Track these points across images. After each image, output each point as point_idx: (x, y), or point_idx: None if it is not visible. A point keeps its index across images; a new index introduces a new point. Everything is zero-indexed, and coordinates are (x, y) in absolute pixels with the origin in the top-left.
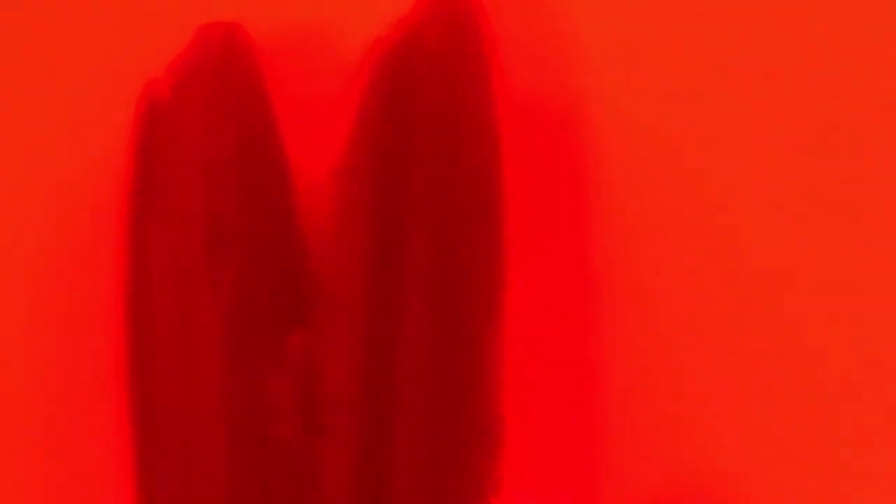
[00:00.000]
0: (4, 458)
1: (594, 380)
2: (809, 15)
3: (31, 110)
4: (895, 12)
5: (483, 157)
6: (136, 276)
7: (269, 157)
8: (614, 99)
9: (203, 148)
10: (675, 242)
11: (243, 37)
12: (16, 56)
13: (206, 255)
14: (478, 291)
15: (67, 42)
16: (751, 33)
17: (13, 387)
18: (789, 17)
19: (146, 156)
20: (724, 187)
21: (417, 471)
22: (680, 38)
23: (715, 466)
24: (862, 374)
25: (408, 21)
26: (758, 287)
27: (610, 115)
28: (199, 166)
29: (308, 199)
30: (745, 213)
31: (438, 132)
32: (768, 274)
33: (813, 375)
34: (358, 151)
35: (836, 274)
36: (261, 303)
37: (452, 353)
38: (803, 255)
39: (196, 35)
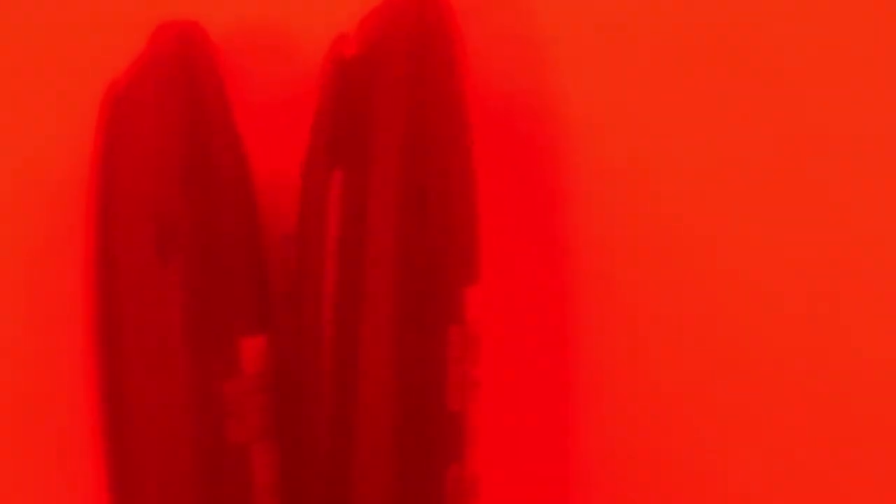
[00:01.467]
0: None
1: (568, 379)
2: (782, 21)
3: None
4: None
5: (451, 154)
6: (100, 277)
7: (227, 156)
8: (588, 97)
9: (160, 148)
10: (649, 240)
11: (200, 35)
12: None
13: (159, 255)
14: (447, 291)
15: (26, 45)
16: (725, 35)
17: None
18: (764, 21)
19: (108, 158)
20: (699, 186)
21: (382, 473)
22: (654, 36)
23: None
24: (841, 382)
25: (371, 19)
26: (735, 287)
27: (583, 114)
28: (156, 166)
29: (267, 199)
30: (721, 211)
31: (404, 131)
32: (746, 275)
33: (797, 379)
34: (320, 151)
35: (816, 276)
36: (217, 304)
37: (419, 353)
38: (783, 257)
39: (153, 34)
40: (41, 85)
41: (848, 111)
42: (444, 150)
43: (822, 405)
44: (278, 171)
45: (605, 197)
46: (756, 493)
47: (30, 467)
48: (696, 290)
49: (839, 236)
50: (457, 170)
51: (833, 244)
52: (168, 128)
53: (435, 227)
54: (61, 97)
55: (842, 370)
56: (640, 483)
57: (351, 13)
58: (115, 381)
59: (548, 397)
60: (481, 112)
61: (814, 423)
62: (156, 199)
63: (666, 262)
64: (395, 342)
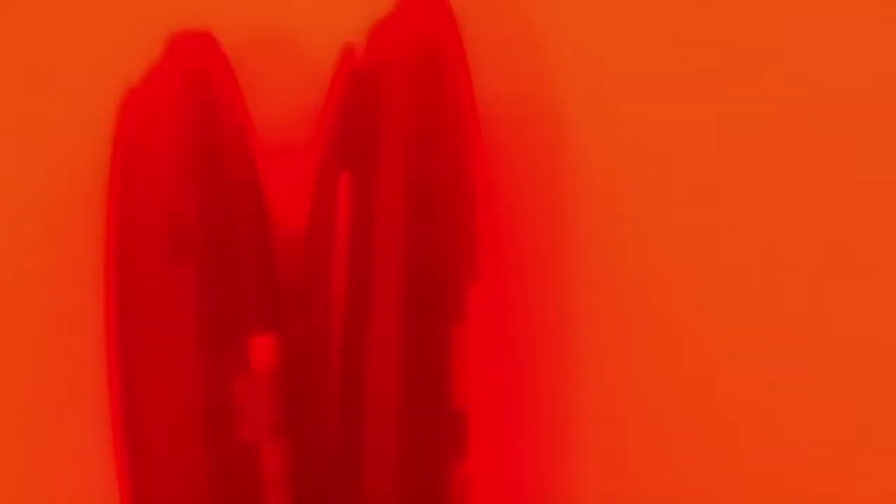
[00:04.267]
0: None
1: (570, 377)
2: (782, 27)
3: (5, 120)
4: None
5: (455, 157)
6: (115, 277)
7: (239, 160)
8: (589, 101)
9: (174, 152)
10: (651, 240)
11: (212, 44)
12: None
13: (172, 256)
14: (451, 290)
15: (46, 57)
16: (729, 37)
17: None
18: (766, 26)
19: (124, 162)
20: (700, 188)
21: (388, 469)
22: (656, 42)
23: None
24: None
25: (380, 28)
26: (737, 288)
27: (585, 117)
28: (170, 170)
29: (278, 201)
30: (723, 212)
31: (410, 134)
32: (748, 275)
33: (798, 382)
34: (329, 154)
35: (816, 277)
36: (229, 303)
37: (424, 352)
38: (785, 258)
39: (168, 45)
40: (61, 93)
41: (852, 114)
42: (448, 153)
43: (823, 408)
44: (289, 174)
45: (606, 198)
46: (756, 494)
47: (44, 461)
48: (698, 289)
49: (840, 237)
50: (461, 171)
51: (833, 245)
52: (182, 133)
53: (440, 228)
54: (81, 105)
55: (842, 372)
56: (640, 482)
57: (360, 22)
58: (128, 377)
59: (549, 396)
60: (485, 116)
61: (817, 427)
62: (170, 201)
63: (668, 262)
64: (401, 341)
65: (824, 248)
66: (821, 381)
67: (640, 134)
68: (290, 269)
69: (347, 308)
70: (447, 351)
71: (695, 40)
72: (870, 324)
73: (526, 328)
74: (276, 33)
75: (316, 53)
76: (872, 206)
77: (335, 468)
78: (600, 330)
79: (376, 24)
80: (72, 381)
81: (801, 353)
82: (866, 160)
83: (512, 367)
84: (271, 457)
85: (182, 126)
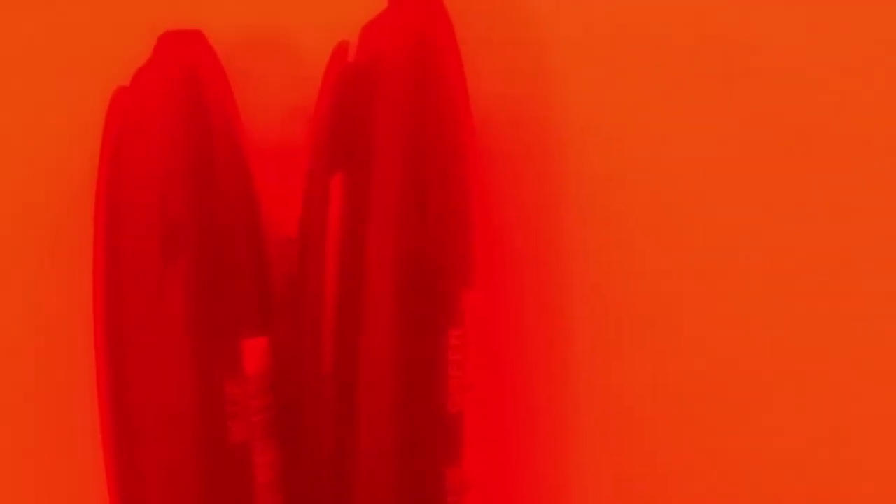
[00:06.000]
0: None
1: (564, 381)
2: (779, 32)
3: None
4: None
5: (449, 159)
6: (106, 278)
7: (230, 161)
8: (584, 104)
9: (165, 152)
10: (645, 244)
11: (203, 43)
12: None
13: (164, 257)
14: (445, 294)
15: (37, 56)
16: (729, 36)
17: None
18: (763, 31)
19: (115, 162)
20: (694, 191)
21: (381, 473)
22: (651, 44)
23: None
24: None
25: (373, 27)
26: (742, 292)
27: (579, 120)
28: (161, 170)
29: (270, 202)
30: (726, 214)
31: (404, 136)
32: (754, 277)
33: (795, 384)
34: (322, 155)
35: (812, 281)
36: (220, 306)
37: (418, 356)
38: (791, 257)
39: (158, 43)
40: (51, 92)
41: (850, 118)
42: (443, 155)
43: (825, 409)
44: (281, 175)
45: (600, 201)
46: (756, 494)
47: (34, 464)
48: (696, 293)
49: (842, 238)
50: (455, 172)
51: (835, 246)
52: (173, 133)
53: (434, 231)
54: (71, 104)
55: (844, 376)
56: (637, 486)
57: (353, 21)
58: (119, 379)
59: (544, 400)
60: (479, 116)
61: (817, 429)
62: (161, 201)
63: (665, 266)
64: (394, 345)
65: (826, 249)
66: (823, 382)
67: (637, 135)
68: (283, 271)
69: (340, 311)
70: (441, 355)
71: (693, 39)
72: (871, 324)
73: (521, 332)
74: (267, 32)
75: (308, 52)
76: (876, 207)
77: (328, 472)
78: (595, 334)
79: (369, 23)
80: (61, 382)
81: (803, 354)
82: (870, 161)
83: (507, 372)
84: (263, 458)
85: (172, 125)
